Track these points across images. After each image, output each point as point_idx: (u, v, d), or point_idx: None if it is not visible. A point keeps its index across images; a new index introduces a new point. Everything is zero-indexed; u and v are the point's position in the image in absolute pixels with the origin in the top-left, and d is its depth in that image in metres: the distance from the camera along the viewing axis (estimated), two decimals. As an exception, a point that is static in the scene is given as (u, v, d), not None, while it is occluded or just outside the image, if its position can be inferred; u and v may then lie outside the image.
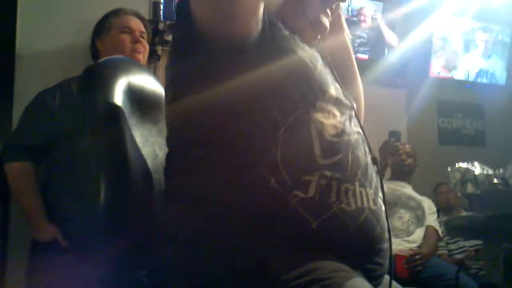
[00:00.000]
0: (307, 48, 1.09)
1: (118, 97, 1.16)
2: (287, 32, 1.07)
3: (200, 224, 0.97)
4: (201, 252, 0.95)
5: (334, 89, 1.07)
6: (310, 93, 1.03)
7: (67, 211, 1.95)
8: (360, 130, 1.09)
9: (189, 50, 1.03)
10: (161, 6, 2.83)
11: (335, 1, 1.19)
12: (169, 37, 2.69)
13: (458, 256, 3.17)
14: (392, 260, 1.03)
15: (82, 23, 2.53)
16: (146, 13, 2.77)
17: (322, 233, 0.94)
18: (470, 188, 0.86)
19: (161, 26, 2.61)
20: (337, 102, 1.06)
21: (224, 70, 0.98)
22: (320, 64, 1.09)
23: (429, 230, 3.08)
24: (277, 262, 0.91)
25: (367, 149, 1.08)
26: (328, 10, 1.18)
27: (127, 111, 1.18)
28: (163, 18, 2.79)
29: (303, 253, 0.93)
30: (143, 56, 2.31)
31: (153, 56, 2.59)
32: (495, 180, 0.81)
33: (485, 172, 0.85)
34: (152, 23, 2.63)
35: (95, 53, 2.34)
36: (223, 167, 0.97)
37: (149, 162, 1.20)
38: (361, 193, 0.98)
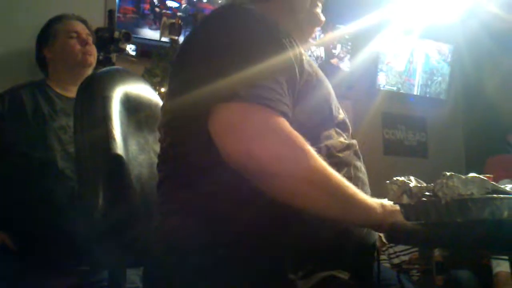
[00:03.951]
0: (314, 64, 1.16)
1: (115, 107, 1.18)
2: (307, 58, 1.12)
3: (211, 234, 0.99)
4: (215, 260, 0.97)
5: (340, 112, 1.17)
6: (327, 118, 1.13)
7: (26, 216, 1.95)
8: (355, 141, 1.18)
9: None
10: (116, 14, 2.85)
11: None
12: (124, 45, 2.72)
13: (396, 261, 3.31)
14: (379, 264, 1.15)
15: (28, 28, 2.47)
16: (101, 21, 2.78)
17: (334, 245, 1.02)
18: (405, 199, 0.94)
19: (116, 34, 2.62)
20: (341, 124, 1.16)
21: None
22: (329, 85, 1.17)
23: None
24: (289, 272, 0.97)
25: (360, 156, 1.18)
26: (318, 2, 1.27)
27: (124, 120, 1.20)
28: (118, 26, 2.81)
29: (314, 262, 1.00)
30: (94, 58, 2.31)
31: (107, 63, 2.60)
32: (427, 192, 0.90)
33: (419, 185, 0.93)
34: (107, 31, 2.64)
35: (42, 62, 2.32)
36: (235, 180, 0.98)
37: (145, 170, 1.23)
38: None
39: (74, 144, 1.19)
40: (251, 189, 0.96)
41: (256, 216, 0.98)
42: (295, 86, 1.03)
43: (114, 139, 1.14)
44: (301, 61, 1.07)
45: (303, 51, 1.11)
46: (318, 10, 1.27)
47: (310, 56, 3.66)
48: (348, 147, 1.13)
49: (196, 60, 1.05)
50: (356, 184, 1.03)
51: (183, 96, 1.04)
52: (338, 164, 1.03)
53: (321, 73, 1.16)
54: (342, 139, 1.13)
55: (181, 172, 1.07)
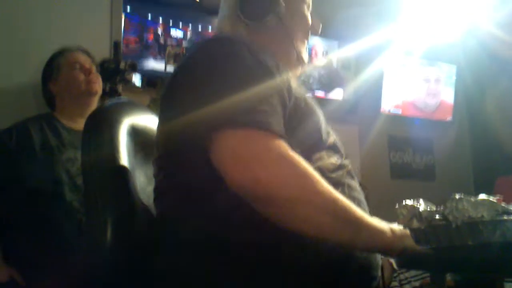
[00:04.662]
0: (302, 90, 1.17)
1: (123, 139, 1.19)
2: (301, 91, 1.14)
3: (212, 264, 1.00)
4: None
5: (331, 136, 1.18)
6: (317, 143, 1.13)
7: (31, 249, 1.94)
8: (347, 162, 1.18)
9: None
10: (122, 45, 2.88)
11: (311, 34, 1.32)
12: (130, 76, 2.74)
13: (407, 287, 3.27)
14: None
15: (34, 62, 2.47)
16: (107, 52, 2.81)
17: (334, 267, 1.02)
18: (415, 223, 0.93)
19: (122, 65, 2.64)
20: (332, 147, 1.16)
21: None
22: (319, 110, 1.18)
23: (384, 263, 3.14)
24: None
25: (355, 177, 1.18)
26: (306, 42, 1.31)
27: (131, 151, 1.21)
28: (124, 57, 2.84)
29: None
30: (99, 86, 2.33)
31: (114, 94, 2.62)
32: (437, 216, 0.89)
33: (428, 209, 0.93)
34: (113, 62, 2.66)
35: (49, 97, 2.34)
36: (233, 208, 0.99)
37: (153, 201, 1.21)
38: None
39: (82, 175, 1.20)
40: (251, 212, 0.95)
41: (256, 235, 0.98)
42: (286, 109, 1.05)
43: (121, 168, 1.15)
44: (289, 86, 1.09)
45: (290, 76, 1.13)
46: (304, 50, 1.31)
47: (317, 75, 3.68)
48: (340, 167, 1.13)
49: (187, 90, 1.06)
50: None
51: (177, 126, 1.04)
52: (331, 185, 1.02)
53: (310, 99, 1.18)
54: (333, 160, 1.13)
55: (179, 206, 1.07)
